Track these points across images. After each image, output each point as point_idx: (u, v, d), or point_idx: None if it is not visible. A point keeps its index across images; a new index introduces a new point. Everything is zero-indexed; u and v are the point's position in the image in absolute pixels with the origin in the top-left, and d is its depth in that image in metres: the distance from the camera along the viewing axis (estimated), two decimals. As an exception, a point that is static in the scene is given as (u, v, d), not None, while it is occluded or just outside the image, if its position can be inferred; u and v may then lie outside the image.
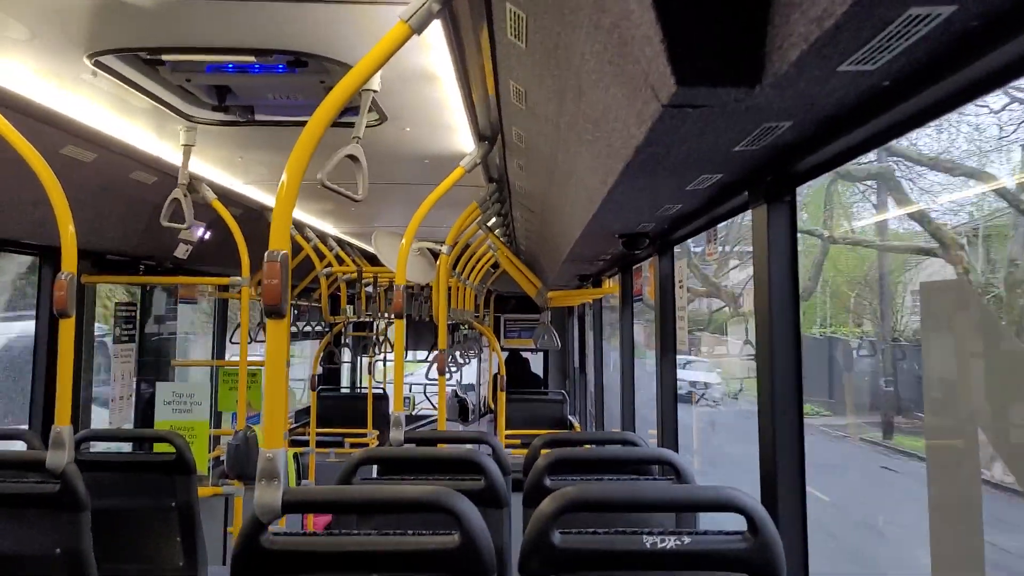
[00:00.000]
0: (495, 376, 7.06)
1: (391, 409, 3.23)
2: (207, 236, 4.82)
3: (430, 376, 7.11)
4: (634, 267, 4.94)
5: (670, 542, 1.59)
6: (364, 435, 7.34)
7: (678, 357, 3.85)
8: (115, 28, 2.17)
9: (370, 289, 6.90)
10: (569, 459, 2.62)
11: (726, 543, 1.61)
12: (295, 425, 7.82)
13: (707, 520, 2.03)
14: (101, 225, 4.01)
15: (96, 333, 5.19)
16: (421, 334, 9.74)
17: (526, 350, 10.69)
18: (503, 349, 10.24)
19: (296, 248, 5.49)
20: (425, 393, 11.86)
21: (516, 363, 10.41)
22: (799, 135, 1.68)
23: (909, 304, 14.58)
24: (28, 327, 4.72)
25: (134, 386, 5.06)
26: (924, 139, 11.55)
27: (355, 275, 6.30)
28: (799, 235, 2.11)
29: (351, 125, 3.08)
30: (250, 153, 3.79)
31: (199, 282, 5.94)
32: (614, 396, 5.72)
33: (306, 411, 7.83)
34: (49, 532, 2.45)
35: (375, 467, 3.01)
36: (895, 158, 11.79)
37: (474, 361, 9.66)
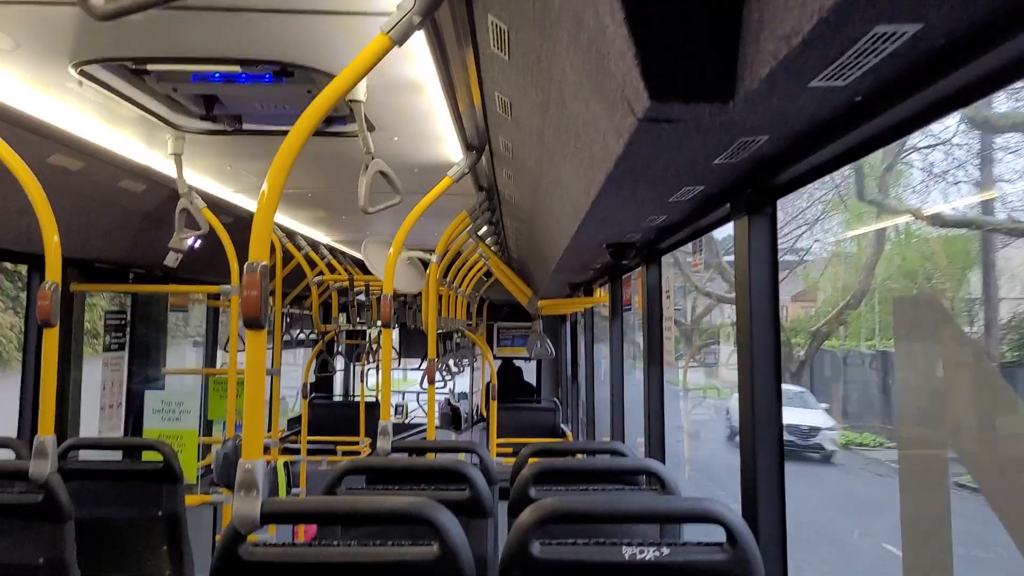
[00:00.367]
0: (487, 384, 7.05)
1: (380, 418, 3.23)
2: (197, 244, 4.82)
3: (424, 385, 7.11)
4: (623, 277, 4.95)
5: (649, 553, 1.60)
6: (356, 443, 7.33)
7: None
8: (100, 38, 2.18)
9: (362, 297, 6.89)
10: (555, 469, 2.63)
11: (705, 554, 1.62)
12: (287, 433, 7.81)
13: (696, 531, 2.03)
14: (89, 233, 4.01)
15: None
16: (414, 342, 9.72)
17: (519, 358, 10.67)
18: (496, 357, 10.23)
19: (287, 256, 5.49)
20: (418, 401, 11.83)
21: (509, 372, 10.39)
22: (777, 148, 1.70)
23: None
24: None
25: (124, 394, 5.05)
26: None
27: (347, 283, 6.29)
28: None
29: (337, 135, 3.10)
30: (239, 162, 3.80)
31: (189, 290, 5.93)
32: (606, 405, 5.72)
33: (298, 419, 7.82)
34: (32, 542, 2.44)
35: (363, 477, 3.01)
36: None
37: (467, 369, 9.65)
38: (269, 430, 6.09)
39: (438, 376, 6.95)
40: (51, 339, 2.56)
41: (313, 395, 8.10)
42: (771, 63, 1.14)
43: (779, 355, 2.10)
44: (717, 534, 1.66)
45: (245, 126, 3.10)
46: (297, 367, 10.64)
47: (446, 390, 8.74)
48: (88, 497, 3.06)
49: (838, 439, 12.52)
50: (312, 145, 1.88)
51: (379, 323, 6.81)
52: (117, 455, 4.73)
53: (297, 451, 6.70)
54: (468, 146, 3.21)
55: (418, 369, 8.35)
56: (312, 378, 7.02)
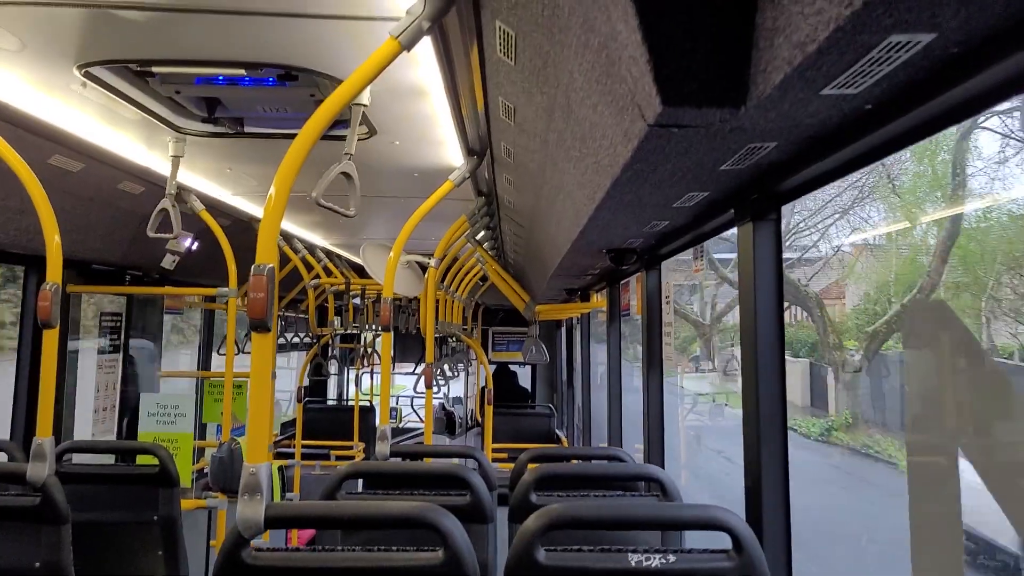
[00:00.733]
0: (482, 389, 7.04)
1: (377, 422, 3.21)
2: (195, 247, 4.81)
3: (418, 389, 7.10)
4: (622, 282, 4.96)
5: (655, 560, 1.59)
6: (350, 447, 7.30)
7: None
8: (105, 40, 2.17)
9: (357, 301, 6.88)
10: (556, 475, 2.62)
11: (711, 561, 1.62)
12: (281, 437, 7.78)
13: (697, 538, 2.03)
14: (87, 235, 3.99)
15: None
16: (408, 346, 9.71)
17: (514, 363, 10.67)
18: (491, 362, 10.22)
19: (284, 259, 5.48)
20: (412, 405, 11.81)
21: (504, 376, 10.38)
22: (784, 155, 1.70)
23: None
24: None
25: (118, 397, 5.02)
26: None
27: (343, 287, 6.28)
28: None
29: (341, 139, 3.08)
30: (239, 165, 3.79)
31: (186, 293, 5.90)
32: (603, 411, 5.71)
33: (292, 423, 7.78)
34: (29, 545, 2.42)
35: (360, 481, 2.99)
36: None
37: (462, 374, 9.64)
38: (264, 434, 6.05)
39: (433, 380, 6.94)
40: (51, 340, 2.54)
41: (307, 399, 8.08)
42: (785, 69, 1.15)
43: (783, 360, 2.10)
44: (718, 541, 1.66)
45: (247, 129, 3.09)
46: (290, 371, 10.62)
47: (440, 395, 8.72)
48: (84, 500, 3.04)
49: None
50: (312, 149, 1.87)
51: (375, 327, 6.81)
52: (110, 458, 4.71)
53: (291, 455, 6.68)
54: (469, 151, 3.22)
55: (411, 373, 8.32)
56: (306, 381, 7.00)
